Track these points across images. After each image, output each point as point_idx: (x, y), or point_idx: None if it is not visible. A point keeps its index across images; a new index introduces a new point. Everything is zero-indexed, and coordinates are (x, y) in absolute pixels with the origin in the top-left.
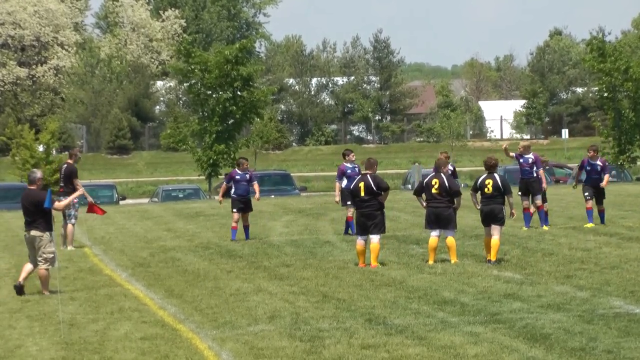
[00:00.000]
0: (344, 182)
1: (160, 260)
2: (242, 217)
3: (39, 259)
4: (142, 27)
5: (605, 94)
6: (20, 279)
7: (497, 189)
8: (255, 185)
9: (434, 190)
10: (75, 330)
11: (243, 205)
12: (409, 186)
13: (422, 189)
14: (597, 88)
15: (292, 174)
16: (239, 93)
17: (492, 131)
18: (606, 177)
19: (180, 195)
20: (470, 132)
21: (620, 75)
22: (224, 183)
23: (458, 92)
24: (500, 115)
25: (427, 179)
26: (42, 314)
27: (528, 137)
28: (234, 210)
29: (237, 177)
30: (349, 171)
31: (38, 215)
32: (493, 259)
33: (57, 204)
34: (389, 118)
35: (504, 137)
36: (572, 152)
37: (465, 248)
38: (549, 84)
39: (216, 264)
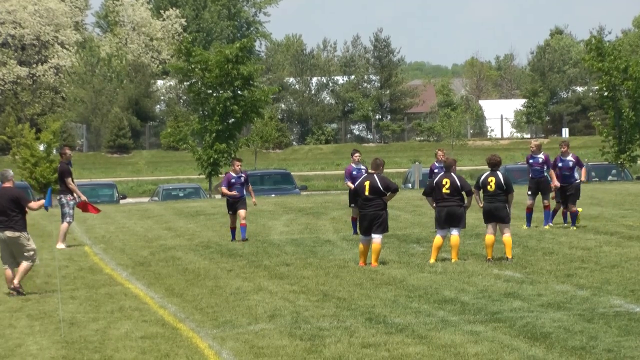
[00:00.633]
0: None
1: (161, 259)
2: (238, 216)
3: (24, 256)
4: (142, 26)
5: (605, 93)
6: (11, 285)
7: (499, 186)
8: (250, 189)
9: (444, 190)
10: (76, 329)
11: (237, 203)
12: (409, 185)
13: (431, 190)
14: (597, 87)
15: (292, 173)
16: (239, 92)
17: (492, 130)
18: (583, 171)
19: (181, 195)
20: (471, 131)
21: (619, 75)
22: (222, 187)
23: (458, 91)
24: (500, 114)
25: (436, 179)
26: (42, 313)
27: (528, 136)
28: (230, 212)
29: (233, 180)
30: (354, 172)
31: (15, 214)
32: (509, 256)
33: (31, 204)
34: (389, 117)
35: (505, 136)
36: (572, 151)
37: (465, 247)
38: (550, 83)
39: (216, 263)
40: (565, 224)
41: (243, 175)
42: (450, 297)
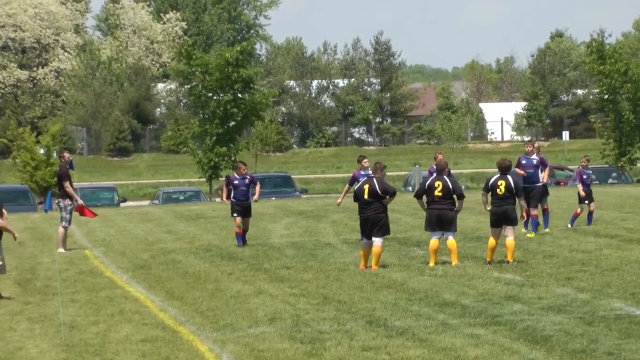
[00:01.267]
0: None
1: (161, 262)
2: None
3: None
4: (143, 29)
5: (606, 96)
6: None
7: (509, 190)
8: (257, 187)
9: (436, 193)
10: (76, 333)
11: (242, 209)
12: (410, 188)
13: (423, 192)
14: (597, 90)
15: (292, 176)
16: (239, 95)
17: (492, 133)
18: (545, 172)
19: (181, 198)
20: (471, 134)
21: (620, 77)
22: (224, 187)
23: (459, 94)
24: (501, 117)
25: (429, 182)
26: (42, 316)
27: (528, 139)
28: (234, 215)
29: (236, 182)
30: (361, 179)
31: None
32: (510, 260)
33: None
34: (389, 120)
35: (505, 139)
36: (572, 154)
37: (466, 250)
38: (550, 86)
39: (217, 266)
40: (588, 226)
41: (248, 177)
42: (450, 300)
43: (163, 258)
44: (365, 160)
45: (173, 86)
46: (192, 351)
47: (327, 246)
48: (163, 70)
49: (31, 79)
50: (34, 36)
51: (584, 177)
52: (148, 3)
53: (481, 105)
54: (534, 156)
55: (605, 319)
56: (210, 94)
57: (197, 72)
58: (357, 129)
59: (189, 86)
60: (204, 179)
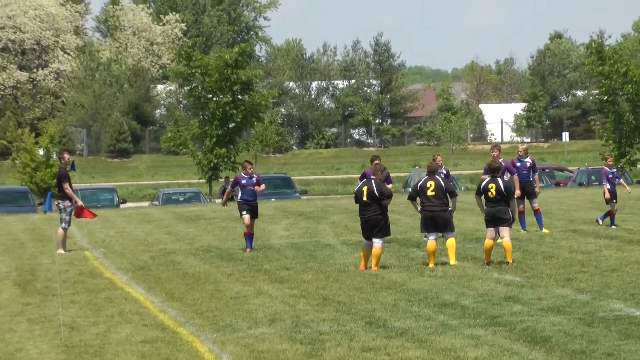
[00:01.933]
0: None
1: (161, 263)
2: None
3: None
4: (142, 31)
5: (606, 98)
6: None
7: (500, 193)
8: (262, 187)
9: (429, 193)
10: (76, 334)
11: (251, 209)
12: (410, 189)
13: (417, 194)
14: (597, 91)
15: (292, 178)
16: (239, 97)
17: (492, 134)
18: (536, 178)
19: (181, 199)
20: (471, 136)
21: (620, 79)
22: (229, 187)
23: (459, 96)
24: (501, 119)
25: (421, 183)
26: (42, 318)
27: (529, 140)
28: (244, 213)
29: (244, 182)
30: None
31: None
32: (510, 261)
33: None
34: (389, 121)
35: (505, 140)
36: (572, 156)
37: (466, 251)
38: (550, 88)
39: (217, 268)
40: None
41: (255, 176)
42: (450, 301)
43: (163, 259)
44: (378, 161)
45: (173, 88)
46: (192, 352)
47: (327, 247)
48: (163, 72)
49: (31, 80)
50: (34, 38)
51: (610, 176)
52: (148, 5)
53: (481, 106)
54: (528, 159)
55: (605, 320)
56: (210, 96)
57: (196, 74)
58: (357, 131)
59: (188, 88)
60: (204, 181)
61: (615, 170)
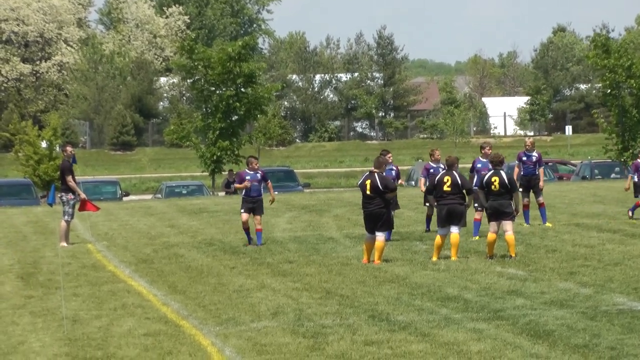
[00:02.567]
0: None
1: (164, 256)
2: (253, 220)
3: None
4: (145, 23)
5: (609, 91)
6: None
7: (503, 185)
8: (270, 185)
9: (445, 188)
10: (79, 327)
11: (253, 205)
12: (412, 182)
13: (433, 187)
14: (600, 85)
15: (295, 170)
16: (242, 89)
17: (495, 127)
18: (540, 171)
19: (184, 192)
20: (474, 129)
21: (623, 72)
22: (235, 183)
23: (461, 89)
24: (503, 112)
25: (438, 177)
26: (45, 310)
27: (532, 133)
28: (242, 210)
29: (248, 177)
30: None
31: None
32: (513, 254)
33: None
34: (392, 114)
35: (508, 133)
36: (575, 149)
37: (468, 245)
38: (553, 81)
39: (219, 261)
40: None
41: (260, 172)
42: (453, 294)
43: (166, 252)
44: (389, 154)
45: (175, 80)
46: (195, 345)
47: (329, 240)
48: (166, 64)
49: (34, 72)
50: (37, 30)
51: None
52: None
53: (484, 99)
54: (534, 153)
55: (608, 314)
56: (213, 88)
57: (199, 67)
58: (359, 124)
59: (191, 80)
60: (206, 173)
61: None
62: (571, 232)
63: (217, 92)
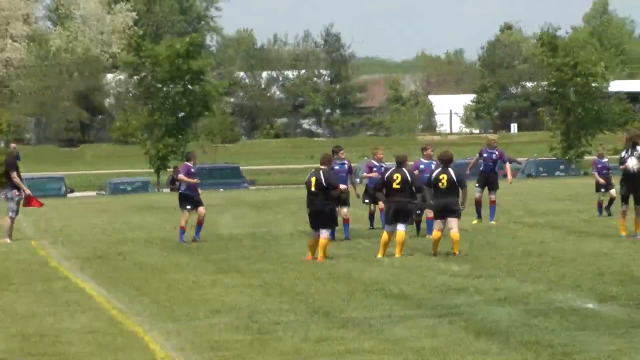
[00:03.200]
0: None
1: (115, 253)
2: (198, 214)
3: None
4: (93, 19)
5: (554, 89)
6: None
7: (451, 183)
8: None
9: (395, 185)
10: (31, 323)
11: (194, 202)
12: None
13: (382, 185)
14: (546, 83)
15: (241, 167)
16: (189, 87)
17: (441, 125)
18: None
19: (129, 189)
20: (420, 126)
21: (569, 71)
22: (181, 174)
23: (408, 86)
24: (450, 110)
25: (388, 174)
26: None
27: (477, 131)
28: (188, 207)
29: (193, 170)
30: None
31: None
32: (456, 252)
33: None
34: (339, 112)
35: (454, 131)
36: (521, 147)
37: (421, 242)
38: (499, 79)
39: (173, 257)
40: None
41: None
42: (406, 291)
43: (117, 249)
44: (342, 151)
45: (123, 77)
46: (148, 341)
47: (282, 237)
48: (113, 61)
49: None
50: None
51: (599, 166)
52: None
53: (430, 97)
54: (495, 150)
55: (560, 311)
56: (160, 85)
57: (146, 64)
58: (307, 121)
59: (138, 77)
60: (152, 170)
61: (606, 160)
62: (520, 229)
63: (165, 89)
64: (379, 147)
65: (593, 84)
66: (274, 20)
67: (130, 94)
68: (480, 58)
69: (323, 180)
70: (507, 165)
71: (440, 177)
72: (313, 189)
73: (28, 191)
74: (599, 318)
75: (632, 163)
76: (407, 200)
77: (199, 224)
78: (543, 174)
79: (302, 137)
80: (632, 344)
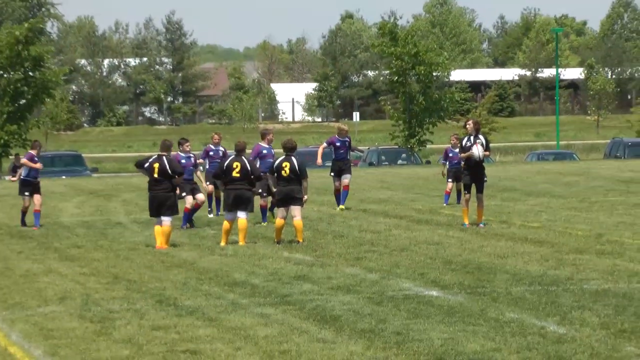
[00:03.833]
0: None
1: None
2: (33, 202)
3: None
4: None
5: (396, 78)
6: None
7: (294, 171)
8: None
9: (234, 174)
10: None
11: (32, 187)
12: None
13: (221, 172)
14: (388, 72)
15: (83, 155)
16: (30, 73)
17: (284, 113)
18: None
19: None
20: (262, 115)
21: (410, 60)
22: (25, 159)
23: (250, 75)
24: (292, 98)
25: (227, 162)
26: None
27: (320, 119)
28: (27, 194)
29: (36, 159)
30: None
31: None
32: (300, 240)
33: None
34: (181, 100)
35: (296, 119)
36: (362, 135)
37: (256, 230)
38: (341, 67)
39: (6, 245)
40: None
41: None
42: (240, 279)
43: None
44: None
45: None
46: None
47: (117, 225)
48: None
49: None
50: None
51: (450, 155)
52: None
53: (272, 85)
54: (346, 138)
55: (394, 299)
56: (1, 72)
57: None
58: (148, 108)
59: None
60: None
61: (457, 150)
62: (358, 217)
63: (5, 75)
64: (217, 132)
65: (435, 73)
66: (115, 7)
67: None
68: (321, 47)
69: (167, 167)
70: (352, 153)
71: (283, 164)
72: (156, 175)
73: None
74: (432, 306)
75: (477, 150)
76: (246, 188)
77: (37, 212)
78: (385, 163)
79: (143, 125)
80: (465, 332)
